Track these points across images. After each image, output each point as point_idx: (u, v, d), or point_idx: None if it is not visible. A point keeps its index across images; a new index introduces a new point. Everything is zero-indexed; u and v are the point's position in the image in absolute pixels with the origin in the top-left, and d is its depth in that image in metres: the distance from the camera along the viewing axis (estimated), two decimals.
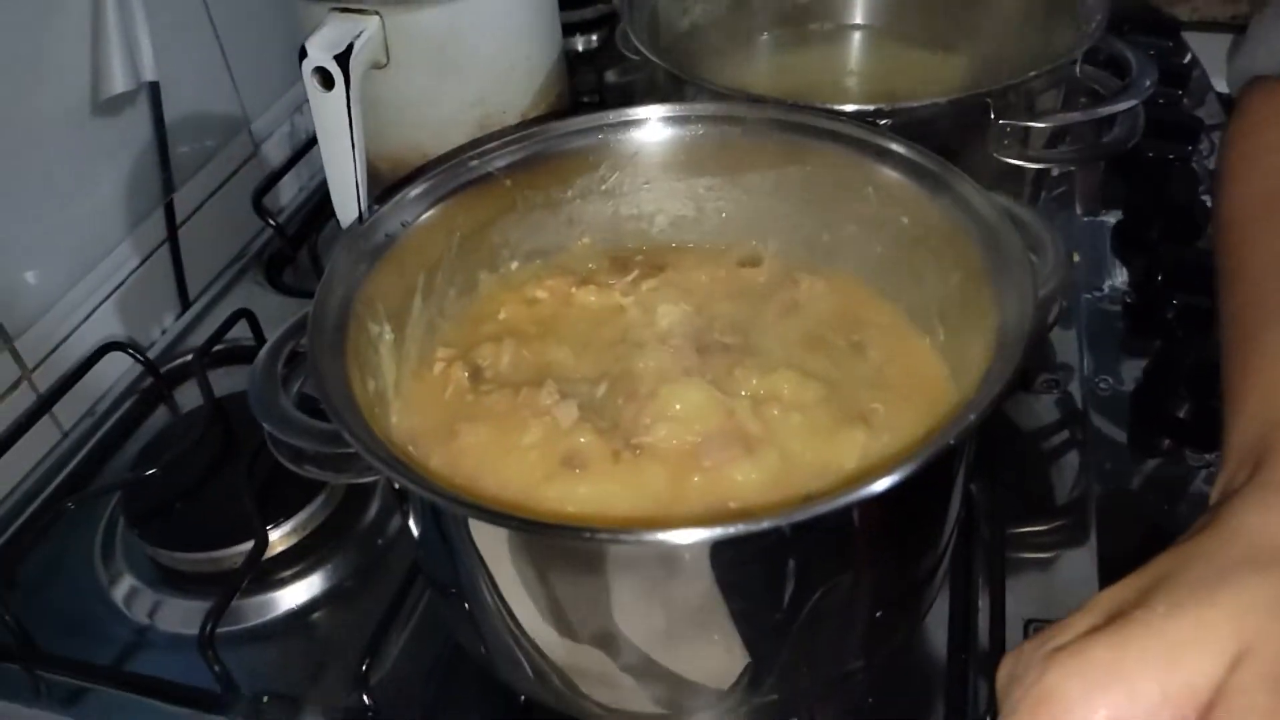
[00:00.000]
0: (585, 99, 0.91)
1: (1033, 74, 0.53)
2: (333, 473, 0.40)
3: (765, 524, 0.33)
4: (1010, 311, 0.39)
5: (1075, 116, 0.54)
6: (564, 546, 0.36)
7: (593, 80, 0.92)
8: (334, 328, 0.42)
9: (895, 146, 0.47)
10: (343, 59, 0.58)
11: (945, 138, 0.55)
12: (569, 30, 0.93)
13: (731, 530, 0.33)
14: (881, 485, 0.32)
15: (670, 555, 0.36)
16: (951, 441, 0.34)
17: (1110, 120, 0.56)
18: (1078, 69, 0.58)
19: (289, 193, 0.89)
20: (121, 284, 0.75)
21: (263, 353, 0.43)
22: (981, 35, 0.65)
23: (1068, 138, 0.60)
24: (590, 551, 0.36)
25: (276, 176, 0.82)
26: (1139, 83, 0.55)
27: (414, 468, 0.36)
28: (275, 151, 0.89)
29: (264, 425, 0.40)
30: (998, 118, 0.53)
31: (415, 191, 0.48)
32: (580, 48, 0.95)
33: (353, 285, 0.44)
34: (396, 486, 0.41)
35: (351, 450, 0.37)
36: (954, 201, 0.44)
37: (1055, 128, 0.56)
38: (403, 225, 0.47)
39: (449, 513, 0.38)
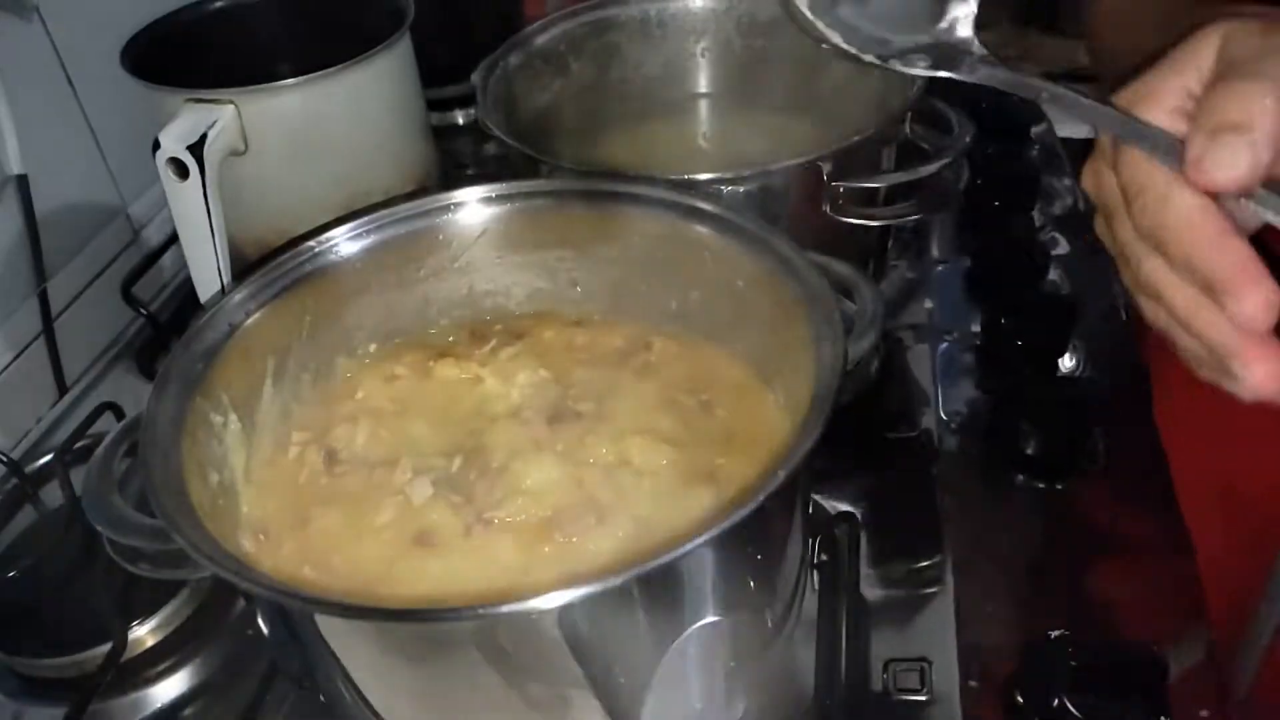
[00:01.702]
0: (470, 171, 0.94)
1: (856, 138, 0.56)
2: (168, 570, 0.40)
3: (543, 601, 0.34)
4: (824, 369, 0.41)
5: (899, 176, 0.57)
6: (394, 629, 0.37)
7: (473, 153, 0.94)
8: (169, 422, 0.42)
9: (716, 210, 0.49)
10: (196, 149, 0.59)
11: (784, 201, 0.57)
12: (448, 105, 0.95)
13: (506, 609, 0.33)
14: (681, 550, 0.34)
15: (502, 624, 0.36)
16: (760, 498, 0.35)
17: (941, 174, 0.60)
18: (908, 129, 0.61)
19: (171, 272, 0.89)
20: None
21: (98, 452, 0.43)
22: (822, 100, 0.69)
23: (922, 191, 0.63)
24: (416, 632, 0.36)
25: (150, 262, 0.81)
26: (958, 140, 0.58)
27: (238, 561, 0.36)
28: (156, 236, 0.89)
29: (96, 525, 0.39)
30: (830, 180, 0.56)
31: (257, 281, 0.49)
32: (460, 121, 0.97)
33: (191, 377, 0.44)
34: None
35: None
36: (776, 262, 0.47)
37: (890, 186, 0.59)
38: (246, 314, 0.48)
39: (277, 604, 0.38)
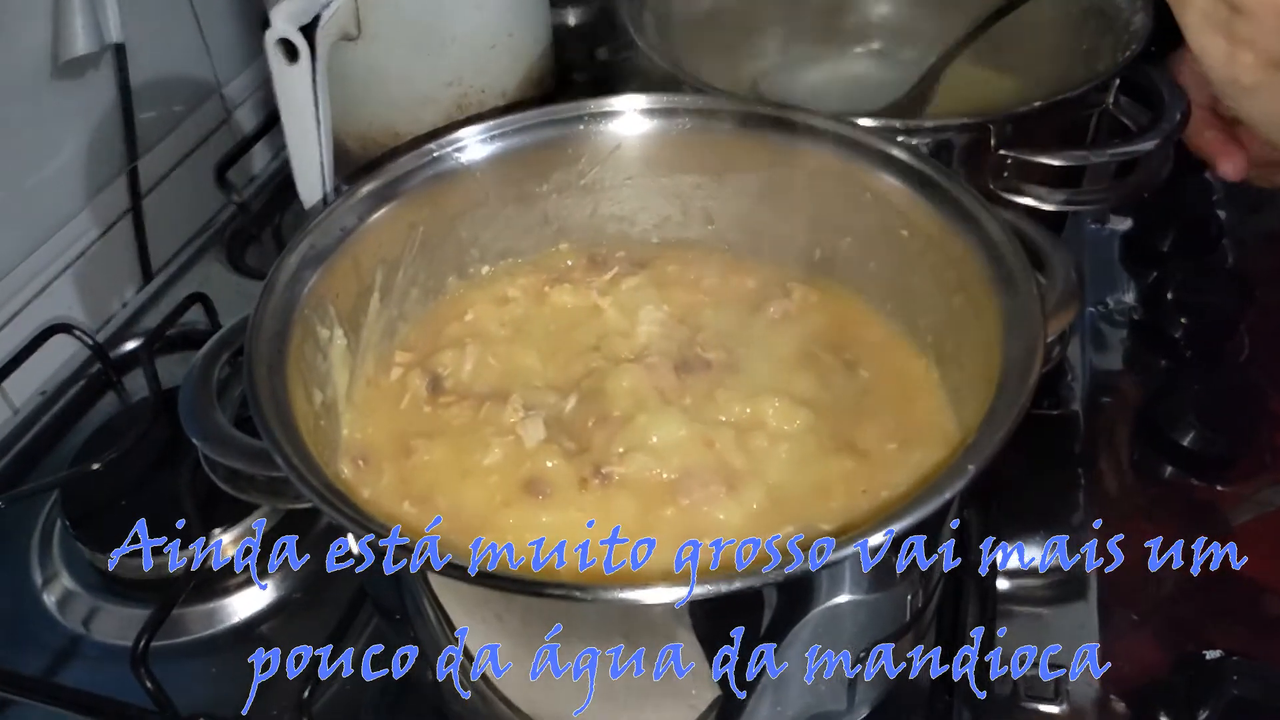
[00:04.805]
0: (576, 76, 0.87)
1: (1037, 104, 0.47)
2: (270, 497, 0.36)
3: (739, 583, 0.30)
4: (1016, 347, 0.35)
5: (1086, 156, 0.49)
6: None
7: (584, 57, 0.87)
8: (275, 335, 0.38)
9: (897, 153, 0.43)
10: (309, 30, 0.54)
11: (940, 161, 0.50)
12: (561, 2, 0.88)
13: (706, 589, 0.30)
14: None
15: (635, 609, 0.33)
16: (948, 495, 0.30)
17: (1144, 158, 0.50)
18: (1110, 99, 0.53)
19: (261, 161, 0.85)
20: (82, 254, 0.71)
21: (198, 359, 0.39)
22: (1013, 49, 0.59)
23: (1087, 174, 0.54)
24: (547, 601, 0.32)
25: (245, 147, 0.77)
26: (1169, 118, 0.48)
27: (350, 501, 0.32)
28: (249, 118, 0.85)
29: (193, 440, 0.36)
30: (998, 148, 0.48)
31: (373, 183, 0.44)
32: (572, 21, 0.91)
33: (299, 287, 0.40)
34: None
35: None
36: (959, 217, 0.41)
37: (1068, 165, 0.50)
38: (358, 219, 0.44)
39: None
